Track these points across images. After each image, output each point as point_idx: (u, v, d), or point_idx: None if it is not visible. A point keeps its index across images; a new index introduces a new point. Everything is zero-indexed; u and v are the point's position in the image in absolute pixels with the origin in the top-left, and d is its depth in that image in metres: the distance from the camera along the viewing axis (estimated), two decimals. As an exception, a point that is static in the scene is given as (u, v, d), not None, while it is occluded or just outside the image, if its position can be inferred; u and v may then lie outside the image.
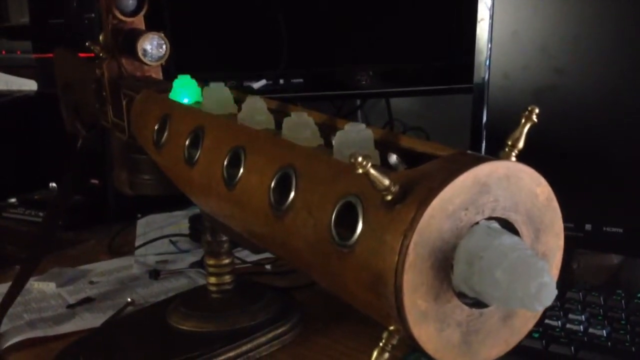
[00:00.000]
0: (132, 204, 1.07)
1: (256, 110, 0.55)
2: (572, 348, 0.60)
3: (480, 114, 0.77)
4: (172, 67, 0.87)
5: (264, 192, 0.46)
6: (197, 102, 0.65)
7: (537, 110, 0.39)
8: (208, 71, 1.08)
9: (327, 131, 0.52)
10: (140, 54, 0.73)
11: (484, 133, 0.78)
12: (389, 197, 0.36)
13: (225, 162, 0.51)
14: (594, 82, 0.73)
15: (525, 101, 0.77)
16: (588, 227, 0.71)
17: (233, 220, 0.52)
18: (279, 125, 0.55)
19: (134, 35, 0.74)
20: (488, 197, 0.36)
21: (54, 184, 1.19)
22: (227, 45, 1.10)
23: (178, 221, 1.06)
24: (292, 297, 0.73)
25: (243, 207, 0.49)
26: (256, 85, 1.06)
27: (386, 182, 0.35)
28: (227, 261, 0.69)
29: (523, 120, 0.39)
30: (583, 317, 0.65)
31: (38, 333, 0.71)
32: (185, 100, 0.65)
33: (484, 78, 0.76)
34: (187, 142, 0.56)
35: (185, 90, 0.66)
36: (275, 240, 0.46)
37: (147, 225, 1.05)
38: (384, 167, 0.43)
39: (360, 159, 0.35)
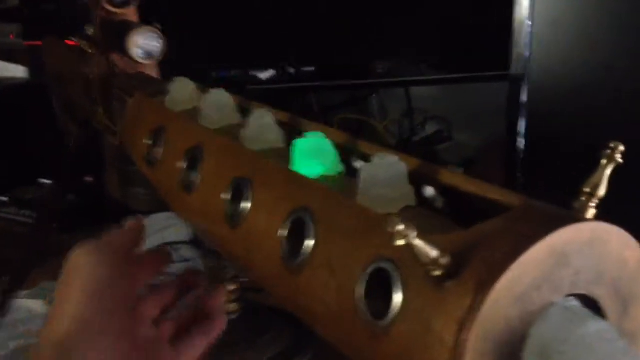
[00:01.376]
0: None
1: (264, 127, 0.46)
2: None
3: (517, 114, 0.68)
4: (174, 57, 0.79)
5: (273, 238, 0.38)
6: (196, 109, 0.56)
7: (622, 148, 0.30)
8: (211, 60, 0.99)
9: (348, 154, 0.43)
10: (131, 50, 0.64)
11: (523, 141, 0.69)
12: (438, 273, 0.27)
13: (229, 195, 0.42)
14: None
15: (567, 95, 0.68)
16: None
17: (238, 262, 0.44)
18: (290, 143, 0.47)
19: (125, 29, 0.65)
20: (567, 270, 0.28)
21: (44, 180, 1.10)
22: (232, 31, 1.01)
23: (178, 223, 0.98)
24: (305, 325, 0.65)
25: (249, 251, 0.41)
26: (263, 75, 0.97)
27: (434, 253, 0.27)
28: (232, 288, 0.61)
29: (604, 161, 0.30)
30: None
31: (23, 367, 0.63)
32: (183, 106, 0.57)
33: (521, 74, 0.67)
34: (184, 164, 0.48)
35: (183, 95, 0.57)
36: (289, 298, 0.38)
37: (148, 227, 0.97)
38: (426, 215, 0.34)
39: (401, 227, 0.26)
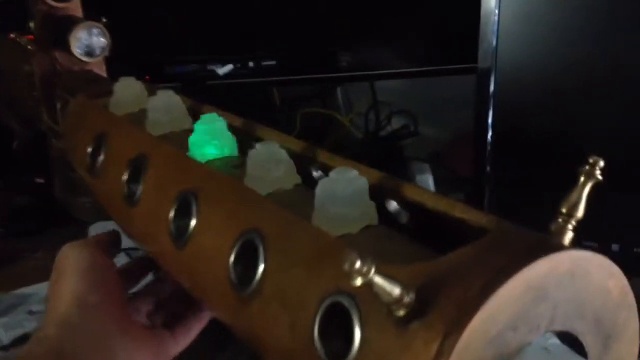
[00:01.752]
0: (86, 205, 0.94)
1: (214, 133, 0.43)
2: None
3: (485, 107, 0.65)
4: (125, 52, 0.74)
5: (222, 262, 0.34)
6: (144, 111, 0.52)
7: (602, 164, 0.27)
8: (164, 55, 0.94)
9: (307, 164, 0.40)
10: (73, 47, 0.59)
11: (490, 134, 0.66)
12: (402, 313, 0.24)
13: (173, 210, 0.38)
14: (628, 76, 0.62)
15: (540, 95, 0.66)
16: (615, 247, 0.61)
17: (185, 284, 0.40)
18: (243, 151, 0.43)
19: (68, 25, 0.60)
20: (545, 305, 0.25)
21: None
22: (187, 23, 0.96)
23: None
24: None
25: (196, 274, 0.37)
26: (222, 70, 0.93)
27: (396, 291, 0.24)
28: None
29: (583, 179, 0.27)
30: None
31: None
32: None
33: (490, 67, 0.64)
34: (126, 175, 0.44)
35: (129, 96, 0.53)
36: (239, 328, 0.34)
37: (101, 231, 0.92)
38: (389, 269, 0.31)
39: (358, 265, 0.23)
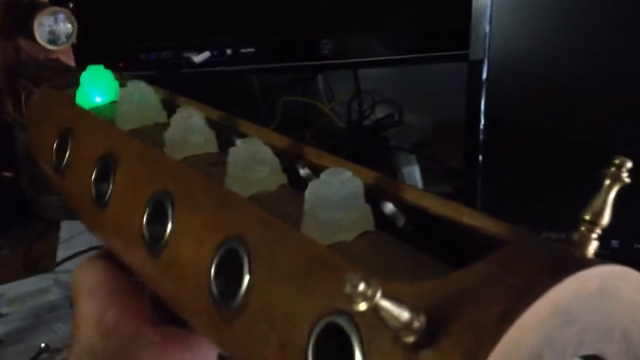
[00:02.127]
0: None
1: (191, 128, 0.39)
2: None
3: (477, 95, 0.62)
4: (95, 42, 0.70)
5: (202, 273, 0.30)
6: (114, 103, 0.48)
7: (629, 165, 0.24)
8: (138, 41, 0.90)
9: (291, 160, 0.36)
10: (38, 34, 0.55)
11: (482, 126, 0.63)
12: (411, 339, 0.21)
13: (146, 214, 0.35)
14: (622, 63, 0.59)
15: (533, 83, 0.63)
16: (615, 243, 0.58)
17: (162, 295, 0.37)
18: (223, 146, 0.40)
19: (31, 10, 0.56)
20: (572, 328, 0.22)
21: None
22: (161, 8, 0.92)
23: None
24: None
25: (173, 284, 0.34)
26: (198, 58, 0.88)
27: (405, 315, 0.21)
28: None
29: (608, 182, 0.24)
30: None
31: None
32: (98, 100, 0.49)
33: (482, 54, 0.61)
34: (94, 174, 0.40)
35: (97, 87, 0.49)
36: (223, 346, 0.31)
37: (74, 227, 0.88)
38: (396, 292, 0.28)
39: (362, 288, 0.20)
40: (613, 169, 0.24)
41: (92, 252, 0.48)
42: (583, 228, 0.24)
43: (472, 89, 0.62)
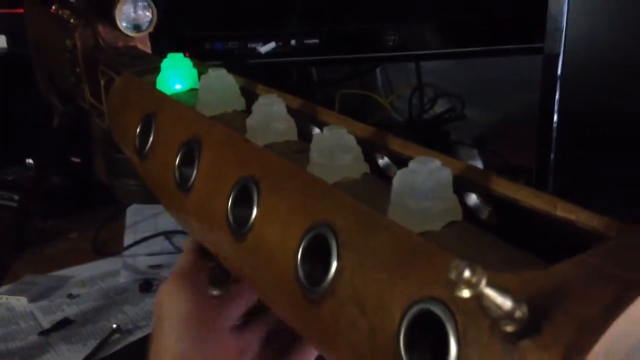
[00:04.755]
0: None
1: (272, 116, 0.40)
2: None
3: (552, 96, 0.61)
4: (163, 30, 0.71)
5: (288, 257, 0.31)
6: (193, 90, 0.50)
7: None
8: (205, 31, 0.91)
9: (372, 150, 0.37)
10: (120, 21, 0.57)
11: (555, 121, 0.62)
12: (511, 328, 0.21)
13: (231, 199, 0.36)
14: None
15: (610, 80, 0.62)
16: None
17: (245, 279, 0.38)
18: (302, 134, 0.40)
19: (112, -3, 0.58)
20: (678, 323, 0.21)
21: (30, 161, 1.03)
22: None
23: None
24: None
25: (257, 268, 0.34)
26: (264, 48, 0.89)
27: (508, 304, 0.21)
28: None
29: None
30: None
31: (1, 377, 0.58)
32: (178, 87, 0.50)
33: (558, 50, 0.60)
34: (178, 158, 0.41)
35: (177, 75, 0.50)
36: (306, 330, 0.32)
37: (138, 213, 0.90)
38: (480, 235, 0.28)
39: (467, 274, 0.20)
40: None
41: (179, 268, 0.45)
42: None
43: (546, 85, 0.61)
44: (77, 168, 0.96)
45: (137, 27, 0.57)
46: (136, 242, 0.82)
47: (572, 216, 0.26)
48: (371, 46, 0.93)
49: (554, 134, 0.61)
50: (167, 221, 0.86)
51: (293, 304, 0.31)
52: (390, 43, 0.92)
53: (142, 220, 0.88)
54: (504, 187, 0.30)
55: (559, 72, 0.59)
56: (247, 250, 0.35)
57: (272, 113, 0.40)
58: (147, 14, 0.57)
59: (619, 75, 0.63)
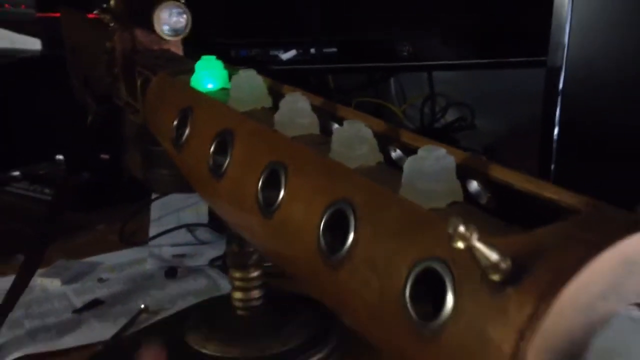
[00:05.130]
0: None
1: (297, 112, 0.45)
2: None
3: (553, 108, 0.66)
4: (193, 36, 0.77)
5: (311, 231, 0.36)
6: (224, 89, 0.55)
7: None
8: (230, 38, 0.97)
9: (386, 143, 0.41)
10: (157, 25, 0.62)
11: (556, 133, 0.67)
12: (498, 277, 0.26)
13: (261, 182, 0.41)
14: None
15: (610, 94, 0.66)
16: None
17: (271, 253, 0.42)
18: (324, 130, 0.45)
19: (150, 3, 0.63)
20: (635, 278, 0.26)
21: (60, 157, 1.09)
22: (251, 9, 0.98)
23: (197, 203, 0.97)
24: (329, 313, 0.64)
25: (283, 242, 0.39)
26: (285, 55, 0.95)
27: (494, 256, 0.25)
28: (255, 274, 0.60)
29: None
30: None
31: (40, 347, 0.62)
32: (210, 86, 0.55)
33: (559, 64, 0.65)
34: (212, 148, 0.46)
35: (209, 75, 0.55)
36: (326, 293, 0.36)
37: (163, 208, 0.96)
38: (487, 230, 0.33)
39: (462, 229, 0.25)
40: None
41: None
42: (649, 202, 0.28)
43: (548, 97, 0.66)
44: (105, 165, 1.02)
45: (172, 32, 0.62)
46: (161, 233, 0.87)
47: (556, 196, 0.31)
48: (386, 56, 0.99)
49: (555, 145, 0.65)
50: (189, 215, 0.92)
51: (315, 271, 0.36)
52: (405, 53, 0.98)
53: (166, 215, 0.93)
54: (501, 174, 0.34)
55: (560, 85, 0.64)
56: (274, 227, 0.39)
57: (297, 109, 0.45)
58: (182, 20, 0.62)
59: (619, 89, 0.67)
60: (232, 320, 0.60)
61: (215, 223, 0.87)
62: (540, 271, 0.25)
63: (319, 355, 0.57)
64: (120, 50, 0.67)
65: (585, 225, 0.27)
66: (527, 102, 0.90)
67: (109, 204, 1.00)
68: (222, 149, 0.45)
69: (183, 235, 0.87)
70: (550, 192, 0.31)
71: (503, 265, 0.25)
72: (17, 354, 0.61)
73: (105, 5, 0.70)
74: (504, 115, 1.07)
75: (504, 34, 0.92)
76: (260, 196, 0.40)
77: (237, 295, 0.60)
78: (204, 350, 0.58)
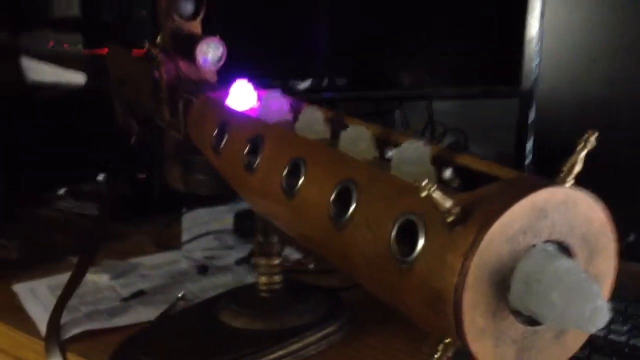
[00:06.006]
0: (176, 198, 1.11)
1: (314, 121, 0.57)
2: (614, 359, 0.61)
3: (526, 123, 0.78)
4: (225, 68, 0.90)
5: (323, 204, 0.48)
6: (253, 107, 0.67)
7: (595, 135, 0.40)
8: (255, 70, 1.10)
9: (381, 143, 0.54)
10: (199, 58, 0.75)
11: (531, 144, 0.79)
12: (450, 219, 0.38)
13: (285, 172, 0.53)
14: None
15: (574, 112, 0.78)
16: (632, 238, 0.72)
17: (290, 227, 0.55)
18: (334, 135, 0.58)
19: (193, 40, 0.76)
20: (545, 221, 0.38)
21: (101, 177, 1.22)
22: (273, 45, 1.12)
23: (222, 216, 1.10)
24: (339, 297, 0.76)
25: (302, 216, 0.51)
26: (302, 85, 1.08)
27: (448, 204, 0.37)
28: (277, 262, 0.72)
29: (580, 146, 0.40)
30: (625, 328, 0.66)
31: (96, 325, 0.74)
32: (242, 104, 0.68)
33: (531, 87, 0.77)
34: (246, 150, 0.58)
35: (242, 95, 0.68)
36: (333, 251, 0.48)
37: (192, 220, 1.08)
38: (444, 186, 0.45)
39: (424, 182, 0.37)
40: (585, 137, 0.40)
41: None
42: (562, 174, 0.40)
43: (520, 125, 0.78)
44: (141, 183, 1.15)
45: (210, 63, 0.75)
46: (193, 238, 0.99)
47: (500, 173, 0.43)
48: (390, 86, 1.12)
49: (526, 170, 0.77)
50: (216, 227, 1.04)
51: (326, 234, 0.48)
52: (406, 84, 1.11)
53: (195, 226, 1.06)
54: (462, 159, 0.47)
55: (532, 112, 0.76)
56: (295, 207, 0.51)
57: (314, 119, 0.57)
58: (218, 53, 0.76)
59: (589, 114, 0.79)
60: (257, 301, 0.72)
61: (239, 230, 1.00)
62: (479, 214, 0.37)
63: (330, 329, 0.69)
64: (166, 78, 0.80)
65: (510, 185, 0.39)
66: (510, 129, 1.01)
67: (143, 216, 1.13)
68: (254, 150, 0.58)
69: (211, 242, 0.99)
70: (494, 169, 0.43)
71: (454, 210, 0.37)
72: (76, 330, 0.73)
73: (154, 41, 0.83)
74: (491, 141, 1.20)
75: (489, 67, 1.05)
76: (284, 183, 0.53)
77: (262, 279, 0.72)
78: (234, 324, 0.69)
